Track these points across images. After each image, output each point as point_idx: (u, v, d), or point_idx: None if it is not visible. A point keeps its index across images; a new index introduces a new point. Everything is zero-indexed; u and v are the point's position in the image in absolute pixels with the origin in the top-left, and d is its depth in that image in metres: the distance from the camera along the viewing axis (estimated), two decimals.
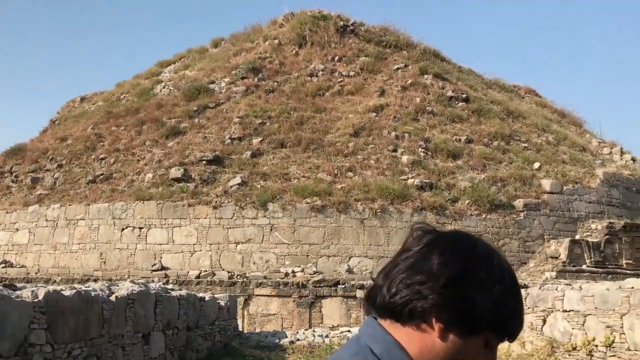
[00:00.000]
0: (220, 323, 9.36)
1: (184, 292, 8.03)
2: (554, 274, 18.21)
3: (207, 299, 8.80)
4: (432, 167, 20.69)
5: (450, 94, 25.19)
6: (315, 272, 17.64)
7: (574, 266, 18.61)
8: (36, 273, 18.30)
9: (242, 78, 25.09)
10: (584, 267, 18.74)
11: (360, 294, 16.38)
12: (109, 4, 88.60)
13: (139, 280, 16.12)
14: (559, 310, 9.18)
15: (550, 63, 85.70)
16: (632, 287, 7.82)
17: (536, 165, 21.59)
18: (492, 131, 23.21)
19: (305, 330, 13.46)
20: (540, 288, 10.19)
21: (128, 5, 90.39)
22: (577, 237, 19.71)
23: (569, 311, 8.91)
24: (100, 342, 5.44)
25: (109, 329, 5.68)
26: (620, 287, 8.06)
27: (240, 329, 15.01)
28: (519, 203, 19.88)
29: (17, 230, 19.71)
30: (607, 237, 19.47)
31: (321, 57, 26.33)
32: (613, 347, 8.08)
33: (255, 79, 25.02)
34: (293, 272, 17.78)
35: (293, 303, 16.45)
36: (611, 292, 8.07)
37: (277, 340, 10.30)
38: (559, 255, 18.94)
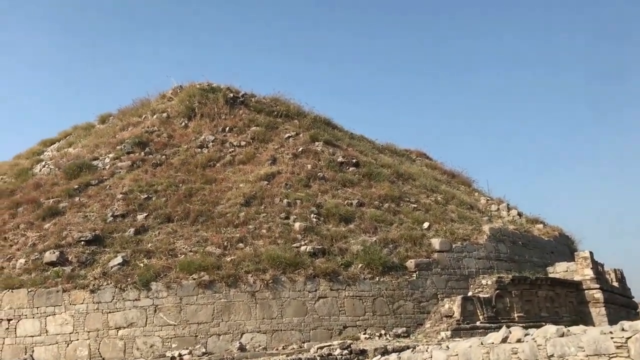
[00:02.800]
0: None
1: None
2: (449, 333, 18.13)
3: None
4: (325, 233, 20.49)
5: (340, 159, 25.50)
6: (204, 354, 16.58)
7: (468, 323, 18.65)
8: None
9: (128, 153, 24.27)
10: (477, 323, 18.82)
11: None
12: None
13: None
14: None
15: (441, 126, 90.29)
16: (492, 343, 7.65)
17: (425, 225, 21.93)
18: (383, 194, 23.52)
19: None
20: (412, 351, 9.89)
21: (18, 78, 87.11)
22: (470, 293, 19.90)
23: None
24: None
25: None
26: (482, 343, 7.88)
27: None
28: (410, 264, 19.93)
29: None
30: (497, 291, 19.79)
31: (211, 128, 26.06)
32: None
33: (142, 153, 24.27)
34: (180, 355, 16.62)
35: None
36: (473, 350, 7.87)
37: None
38: (453, 314, 18.96)
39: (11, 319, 17.08)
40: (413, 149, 34.28)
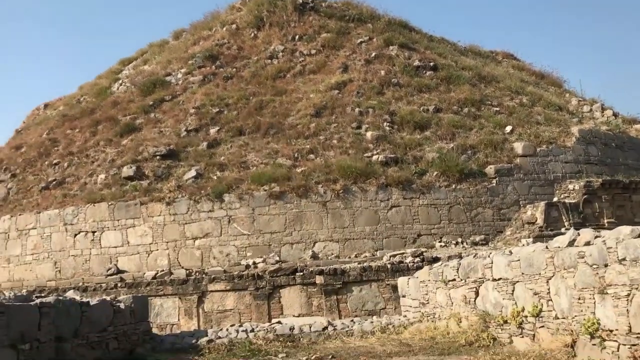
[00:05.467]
0: (119, 328, 8.49)
1: (50, 298, 7.17)
2: (530, 240, 17.16)
3: (93, 303, 7.94)
4: (398, 141, 19.69)
5: (417, 63, 24.10)
6: (278, 262, 16.75)
7: (551, 230, 17.57)
8: None
9: (199, 67, 24.15)
10: (562, 230, 17.70)
11: (320, 280, 15.51)
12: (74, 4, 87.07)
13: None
14: (489, 279, 8.24)
15: (532, 27, 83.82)
16: (558, 247, 6.85)
17: (508, 128, 20.52)
18: (462, 98, 22.13)
19: (262, 323, 12.63)
20: (474, 257, 9.23)
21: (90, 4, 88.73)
22: (555, 199, 18.66)
23: (498, 280, 7.97)
24: None
25: None
26: (547, 247, 7.10)
27: (194, 329, 14.17)
28: (490, 170, 18.86)
29: None
30: (585, 196, 18.39)
31: (280, 37, 25.29)
32: (541, 317, 7.13)
33: (213, 67, 24.07)
34: (254, 263, 16.93)
35: (250, 296, 15.58)
36: (536, 254, 7.11)
37: (193, 341, 9.45)
38: (536, 220, 17.93)
39: (95, 231, 17.92)
40: (499, 50, 31.92)
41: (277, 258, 17.00)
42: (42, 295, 9.59)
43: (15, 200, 19.76)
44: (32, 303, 6.63)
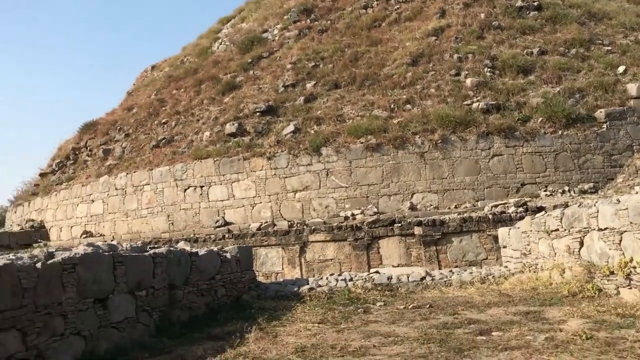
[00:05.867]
0: (226, 277, 9.02)
1: (162, 249, 7.72)
2: None
3: (201, 253, 8.47)
4: (500, 87, 18.93)
5: (519, 3, 22.79)
6: (375, 213, 16.91)
7: None
8: (111, 240, 19.10)
9: (294, 22, 24.28)
10: None
11: (419, 231, 15.51)
12: None
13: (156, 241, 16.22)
14: (594, 229, 7.85)
15: None
16: None
17: (621, 69, 19.07)
18: (569, 38, 20.76)
19: (360, 272, 12.92)
20: (579, 206, 8.81)
21: None
22: None
23: (604, 229, 7.57)
24: (17, 313, 5.22)
25: (34, 299, 5.44)
26: None
27: (297, 278, 14.78)
28: (600, 113, 17.73)
29: (93, 201, 20.69)
30: None
31: None
32: None
33: (308, 21, 24.11)
34: (353, 215, 17.19)
35: (349, 246, 15.91)
36: None
37: (296, 289, 9.84)
38: None
39: (203, 186, 18.90)
40: None
41: (375, 209, 17.15)
42: (157, 246, 10.31)
43: (130, 159, 21.17)
44: (146, 254, 7.20)
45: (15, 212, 25.46)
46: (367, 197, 17.46)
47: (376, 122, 18.18)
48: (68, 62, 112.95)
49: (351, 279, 10.21)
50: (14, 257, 5.57)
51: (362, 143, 17.75)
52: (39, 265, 5.54)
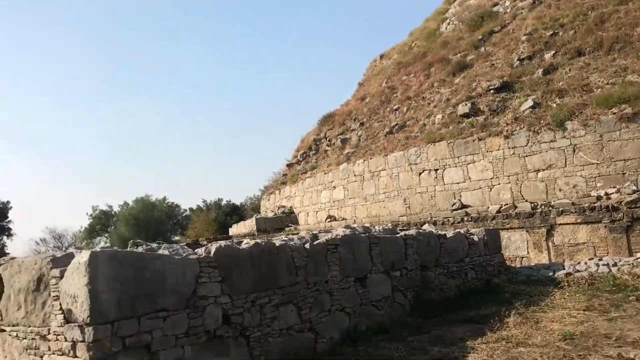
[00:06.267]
0: (474, 259, 8.75)
1: (412, 231, 7.74)
2: None
3: (449, 235, 8.33)
4: None
5: None
6: (635, 191, 15.06)
7: None
8: (353, 223, 20.05)
9: None
10: None
11: None
12: None
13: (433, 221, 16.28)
14: None
15: None
16: None
17: None
18: None
19: (622, 258, 11.65)
20: None
21: None
22: None
23: None
24: (293, 289, 5.66)
25: (305, 276, 5.86)
26: None
27: (547, 262, 13.92)
28: None
29: (334, 187, 21.93)
30: None
31: None
32: None
33: None
34: (607, 194, 15.54)
35: (604, 229, 14.39)
36: None
37: (550, 273, 9.14)
38: None
39: (437, 169, 18.78)
40: None
41: (634, 187, 15.25)
42: (404, 228, 10.48)
43: (365, 146, 21.96)
44: (397, 236, 7.33)
45: (269, 200, 28.24)
46: (623, 173, 15.63)
47: (631, 88, 16.13)
48: (305, 60, 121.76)
49: (615, 264, 9.22)
50: (286, 239, 6.07)
51: (614, 114, 15.92)
52: (307, 245, 5.95)
